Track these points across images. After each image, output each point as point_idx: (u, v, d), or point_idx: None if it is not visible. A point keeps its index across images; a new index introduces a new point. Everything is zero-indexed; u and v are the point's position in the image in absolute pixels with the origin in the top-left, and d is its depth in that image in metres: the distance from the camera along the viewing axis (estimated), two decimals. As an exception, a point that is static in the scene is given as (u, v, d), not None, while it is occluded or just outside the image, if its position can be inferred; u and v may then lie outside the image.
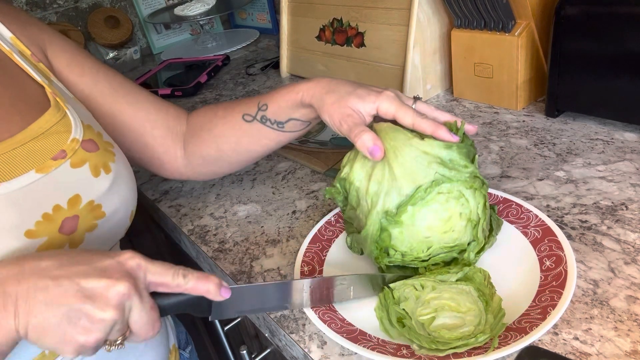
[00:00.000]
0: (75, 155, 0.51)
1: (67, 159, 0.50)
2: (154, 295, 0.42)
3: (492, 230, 0.55)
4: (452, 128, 0.52)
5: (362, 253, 0.57)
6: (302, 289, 0.50)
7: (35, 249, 0.46)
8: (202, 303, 0.44)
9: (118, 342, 0.40)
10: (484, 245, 0.53)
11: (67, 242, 0.49)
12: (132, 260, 0.40)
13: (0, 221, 0.45)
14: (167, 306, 0.43)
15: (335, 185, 0.55)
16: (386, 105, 0.52)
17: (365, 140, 0.49)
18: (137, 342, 0.42)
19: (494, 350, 0.43)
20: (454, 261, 0.53)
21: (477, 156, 0.52)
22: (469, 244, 0.52)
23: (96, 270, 0.38)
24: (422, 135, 0.51)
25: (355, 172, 0.53)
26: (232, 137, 0.65)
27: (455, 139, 0.50)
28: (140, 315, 0.40)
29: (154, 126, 0.66)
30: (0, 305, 0.36)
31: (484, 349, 0.44)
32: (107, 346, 0.40)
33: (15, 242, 0.45)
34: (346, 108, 0.52)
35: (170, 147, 0.68)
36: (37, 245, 0.47)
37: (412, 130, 0.52)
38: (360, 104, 0.53)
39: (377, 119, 0.55)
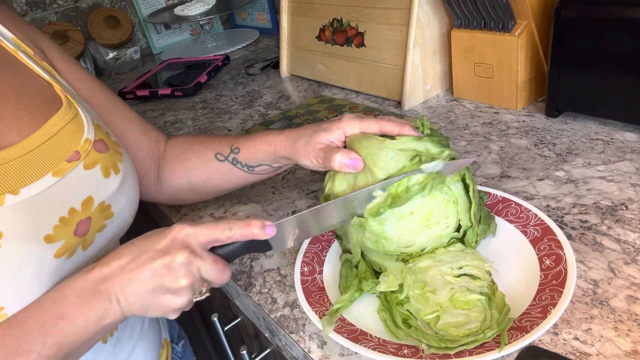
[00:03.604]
0: (88, 156, 0.51)
1: (81, 160, 0.51)
2: (215, 249, 0.49)
3: (482, 219, 0.55)
4: (418, 127, 0.54)
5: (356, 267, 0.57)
6: (350, 202, 0.51)
7: (53, 254, 0.47)
8: (258, 243, 0.50)
9: (203, 292, 0.48)
10: (478, 230, 0.54)
11: (80, 244, 0.50)
12: (182, 231, 0.46)
13: (21, 228, 0.45)
14: (228, 254, 0.49)
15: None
16: (350, 125, 0.56)
17: (339, 160, 0.52)
18: (217, 286, 0.50)
19: (505, 345, 0.43)
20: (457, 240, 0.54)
21: (450, 144, 0.54)
22: (465, 230, 0.53)
23: (158, 252, 0.45)
24: (392, 137, 0.53)
25: (338, 185, 0.54)
26: (203, 172, 0.67)
27: (420, 134, 0.53)
28: (208, 270, 0.46)
29: (138, 148, 0.67)
30: (106, 298, 0.45)
31: (491, 345, 0.44)
32: (195, 298, 0.47)
33: (36, 248, 0.45)
34: (317, 144, 0.56)
35: (147, 170, 0.68)
36: (55, 249, 0.47)
37: (381, 136, 0.54)
38: (329, 135, 0.56)
39: None
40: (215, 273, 0.47)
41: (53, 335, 0.43)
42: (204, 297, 0.48)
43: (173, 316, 0.47)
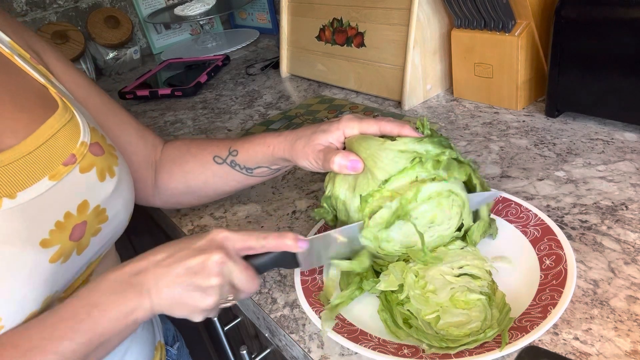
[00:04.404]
0: (84, 159, 0.51)
1: (77, 164, 0.51)
2: (247, 257, 0.50)
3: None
4: (418, 127, 0.54)
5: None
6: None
7: (48, 259, 0.47)
8: (288, 257, 0.51)
9: (230, 299, 0.49)
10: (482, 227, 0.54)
11: (75, 248, 0.50)
12: (220, 234, 0.48)
13: (17, 232, 0.45)
14: (259, 265, 0.50)
15: (322, 205, 0.56)
16: (350, 126, 0.56)
17: (339, 162, 0.52)
18: (244, 297, 0.50)
19: (506, 345, 0.43)
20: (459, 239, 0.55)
21: (452, 144, 0.54)
22: (467, 229, 0.53)
23: (195, 250, 0.47)
24: (392, 138, 0.53)
25: (338, 187, 0.53)
26: (201, 175, 0.67)
27: (420, 135, 0.53)
28: (239, 276, 0.48)
29: (133, 152, 0.66)
30: (139, 292, 0.45)
31: (491, 345, 0.44)
32: (221, 305, 0.48)
33: (32, 252, 0.45)
34: (317, 145, 0.56)
35: (144, 174, 0.68)
36: (50, 254, 0.47)
37: (381, 137, 0.54)
38: (328, 136, 0.56)
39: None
40: (245, 280, 0.48)
41: (85, 323, 0.44)
42: (229, 304, 0.49)
43: (198, 318, 0.48)
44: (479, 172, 0.71)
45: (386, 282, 0.51)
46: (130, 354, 0.59)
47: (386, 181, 0.50)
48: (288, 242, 0.49)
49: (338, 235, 0.52)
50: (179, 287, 0.45)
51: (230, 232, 0.49)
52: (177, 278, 0.45)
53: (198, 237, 0.48)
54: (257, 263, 0.50)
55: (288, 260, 0.52)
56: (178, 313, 0.47)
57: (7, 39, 0.55)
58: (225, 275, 0.47)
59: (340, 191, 0.53)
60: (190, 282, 0.45)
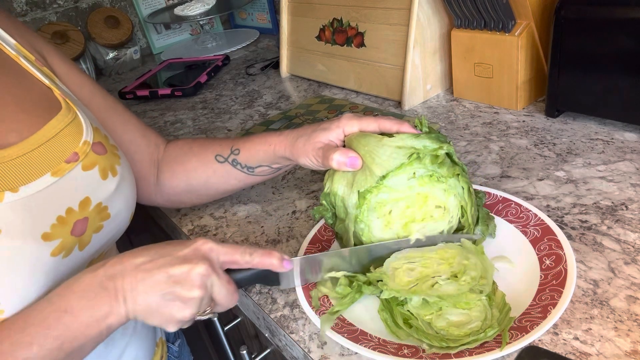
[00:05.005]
0: (86, 158, 0.52)
1: (79, 161, 0.51)
2: (229, 271, 0.49)
3: (480, 219, 0.55)
4: (416, 125, 0.55)
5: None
6: (351, 254, 0.53)
7: (50, 252, 0.47)
8: (270, 275, 0.51)
9: (207, 312, 0.48)
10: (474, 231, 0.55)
11: (77, 243, 0.50)
12: (205, 245, 0.47)
13: (20, 225, 0.45)
14: (240, 279, 0.50)
15: (322, 203, 0.56)
16: (349, 124, 0.56)
17: (337, 158, 0.53)
18: (221, 310, 0.49)
19: (506, 344, 0.43)
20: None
21: (451, 142, 0.54)
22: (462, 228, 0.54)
23: (179, 258, 0.46)
24: (391, 135, 0.53)
25: (336, 183, 0.54)
26: (203, 174, 0.68)
27: (418, 132, 0.54)
28: (220, 289, 0.47)
29: (136, 150, 0.67)
30: (113, 296, 0.44)
31: (491, 345, 0.44)
32: (198, 317, 0.47)
33: (33, 245, 0.46)
34: (317, 143, 0.56)
35: (146, 173, 0.69)
36: (52, 247, 0.47)
37: (380, 134, 0.55)
38: (328, 134, 0.57)
39: None
40: (226, 294, 0.47)
41: (55, 328, 0.43)
42: (206, 317, 0.48)
43: (172, 328, 0.47)
44: (479, 171, 0.71)
45: (388, 290, 0.51)
46: (130, 348, 0.60)
47: (384, 177, 0.50)
48: (274, 262, 0.49)
49: (323, 258, 0.53)
50: (158, 295, 0.44)
51: (216, 243, 0.48)
52: (157, 285, 0.44)
53: (182, 244, 0.47)
54: (238, 277, 0.50)
55: (270, 277, 0.52)
56: (152, 321, 0.46)
57: (12, 41, 0.56)
58: (208, 287, 0.46)
59: (339, 188, 0.53)
60: (170, 290, 0.44)
